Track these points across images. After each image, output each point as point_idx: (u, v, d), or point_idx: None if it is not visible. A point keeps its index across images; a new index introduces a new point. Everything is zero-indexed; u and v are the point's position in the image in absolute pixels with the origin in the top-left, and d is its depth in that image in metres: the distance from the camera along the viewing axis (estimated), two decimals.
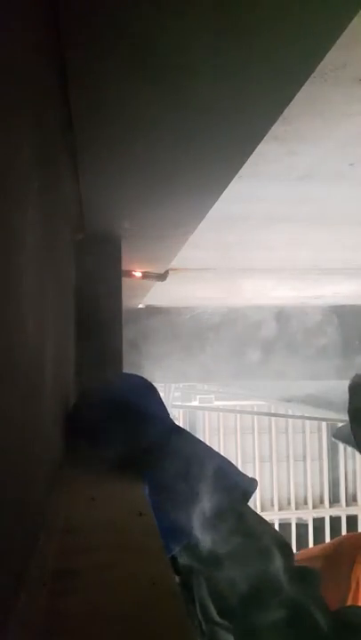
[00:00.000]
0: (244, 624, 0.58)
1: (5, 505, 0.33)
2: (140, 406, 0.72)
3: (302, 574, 0.65)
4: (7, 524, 0.33)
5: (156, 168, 0.83)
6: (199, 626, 0.62)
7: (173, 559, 0.65)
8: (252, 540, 0.65)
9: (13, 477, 0.35)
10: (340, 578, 1.04)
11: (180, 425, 0.76)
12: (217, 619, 0.59)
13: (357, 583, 1.02)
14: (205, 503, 0.64)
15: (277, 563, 0.63)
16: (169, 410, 0.81)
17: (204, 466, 0.67)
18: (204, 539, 0.63)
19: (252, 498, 0.71)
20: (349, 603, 1.01)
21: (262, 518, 0.69)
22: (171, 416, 0.78)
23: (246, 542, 0.64)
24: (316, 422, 6.85)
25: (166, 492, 0.64)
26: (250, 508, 0.69)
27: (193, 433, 0.76)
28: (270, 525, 0.68)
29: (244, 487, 0.68)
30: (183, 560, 0.64)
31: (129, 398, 0.74)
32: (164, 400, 0.81)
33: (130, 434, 0.69)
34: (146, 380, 0.82)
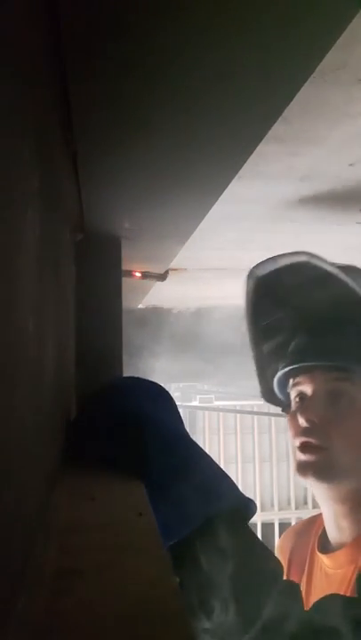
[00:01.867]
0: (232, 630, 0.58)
1: (5, 505, 0.33)
2: (149, 417, 0.71)
3: (287, 588, 0.65)
4: (7, 524, 0.33)
5: (157, 168, 0.83)
6: None
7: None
8: (244, 555, 0.65)
9: (13, 477, 0.35)
10: (302, 556, 1.07)
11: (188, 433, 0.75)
12: (206, 625, 0.59)
13: (311, 562, 1.04)
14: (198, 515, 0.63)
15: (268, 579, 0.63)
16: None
17: (202, 478, 0.67)
18: (197, 552, 0.62)
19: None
20: (304, 580, 1.03)
21: (257, 537, 0.69)
22: (181, 425, 0.76)
23: (239, 557, 0.63)
24: None
25: (162, 496, 0.64)
26: (248, 527, 0.68)
27: (193, 433, 0.75)
28: (264, 545, 0.68)
29: (243, 506, 0.68)
30: (180, 564, 0.64)
31: (139, 406, 0.73)
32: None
33: (133, 444, 0.69)
34: (159, 386, 0.81)
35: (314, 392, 1.02)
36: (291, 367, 1.04)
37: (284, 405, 1.15)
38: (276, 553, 1.17)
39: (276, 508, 7.19)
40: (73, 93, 0.60)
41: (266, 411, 6.70)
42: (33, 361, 0.45)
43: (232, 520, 0.64)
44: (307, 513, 7.03)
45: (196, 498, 0.64)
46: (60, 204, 0.75)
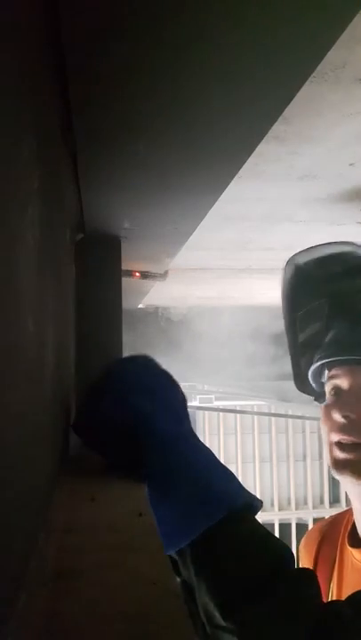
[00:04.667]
0: (248, 625, 0.58)
1: (5, 505, 0.33)
2: (147, 417, 0.71)
3: (300, 576, 0.64)
4: (7, 524, 0.33)
5: (157, 168, 0.83)
6: (203, 629, 0.61)
7: (174, 562, 0.64)
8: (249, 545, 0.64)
9: (13, 477, 0.35)
10: (331, 551, 1.08)
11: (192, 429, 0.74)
12: (221, 622, 0.59)
13: (341, 557, 1.05)
14: (199, 509, 0.63)
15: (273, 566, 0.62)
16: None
17: (203, 479, 0.66)
18: (199, 552, 0.62)
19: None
20: (335, 575, 1.03)
21: (262, 527, 0.68)
22: (184, 421, 0.75)
23: (242, 553, 0.63)
24: (316, 422, 6.85)
25: (162, 500, 0.64)
26: (254, 521, 0.68)
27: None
28: (270, 534, 0.68)
29: (247, 504, 0.67)
30: (184, 564, 0.63)
31: (137, 406, 0.72)
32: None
33: (132, 446, 0.68)
34: (161, 377, 0.78)
35: (351, 387, 0.98)
36: (327, 359, 1.01)
37: (318, 395, 1.13)
38: (301, 550, 1.17)
39: (276, 508, 7.20)
40: (73, 93, 0.61)
41: (266, 411, 6.71)
42: (33, 361, 0.45)
43: (235, 518, 0.64)
44: (307, 513, 7.03)
45: (197, 501, 0.64)
46: (60, 203, 0.75)
